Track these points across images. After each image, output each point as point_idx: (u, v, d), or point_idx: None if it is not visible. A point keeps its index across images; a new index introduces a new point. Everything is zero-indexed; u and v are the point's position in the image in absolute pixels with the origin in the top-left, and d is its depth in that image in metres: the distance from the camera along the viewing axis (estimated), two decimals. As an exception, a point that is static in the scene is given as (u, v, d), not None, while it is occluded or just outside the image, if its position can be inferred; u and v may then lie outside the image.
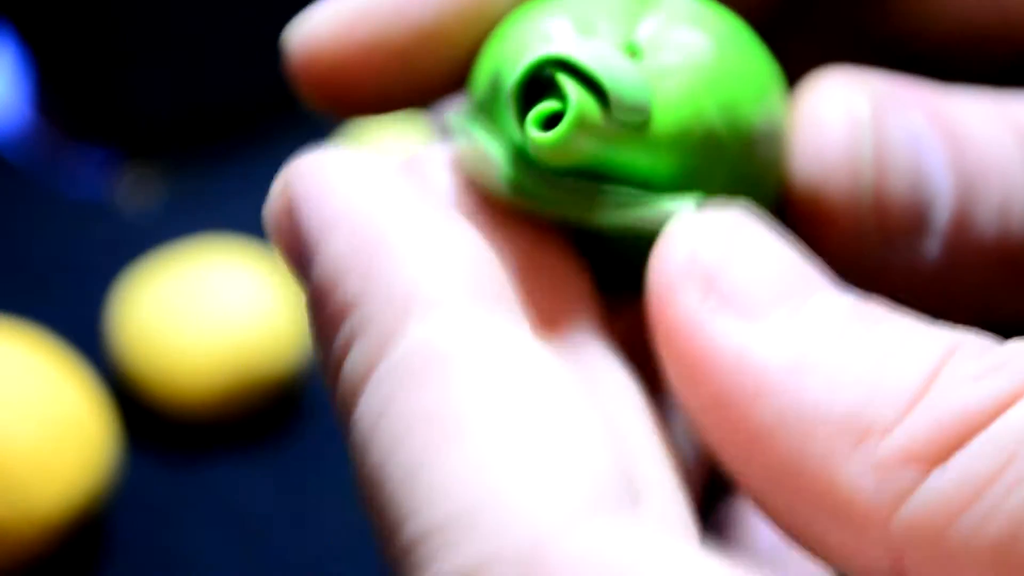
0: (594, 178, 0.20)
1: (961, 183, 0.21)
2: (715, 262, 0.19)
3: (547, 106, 0.19)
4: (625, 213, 0.20)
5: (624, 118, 0.19)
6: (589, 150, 0.19)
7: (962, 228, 0.22)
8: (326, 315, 0.19)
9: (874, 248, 0.21)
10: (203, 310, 0.50)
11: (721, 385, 0.19)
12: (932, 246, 0.22)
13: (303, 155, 0.20)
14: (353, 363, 0.18)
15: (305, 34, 0.22)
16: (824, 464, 0.18)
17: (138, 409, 0.51)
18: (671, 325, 0.19)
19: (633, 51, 0.20)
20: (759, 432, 0.18)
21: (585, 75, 0.19)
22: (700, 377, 0.19)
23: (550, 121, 0.19)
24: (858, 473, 0.18)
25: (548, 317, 0.20)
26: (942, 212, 0.21)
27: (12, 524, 0.44)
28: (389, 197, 0.19)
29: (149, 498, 0.50)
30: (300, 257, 0.19)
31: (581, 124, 0.19)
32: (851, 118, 0.21)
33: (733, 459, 0.19)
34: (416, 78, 0.22)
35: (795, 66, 0.22)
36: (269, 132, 0.60)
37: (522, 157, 0.20)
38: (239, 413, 0.51)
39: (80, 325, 0.52)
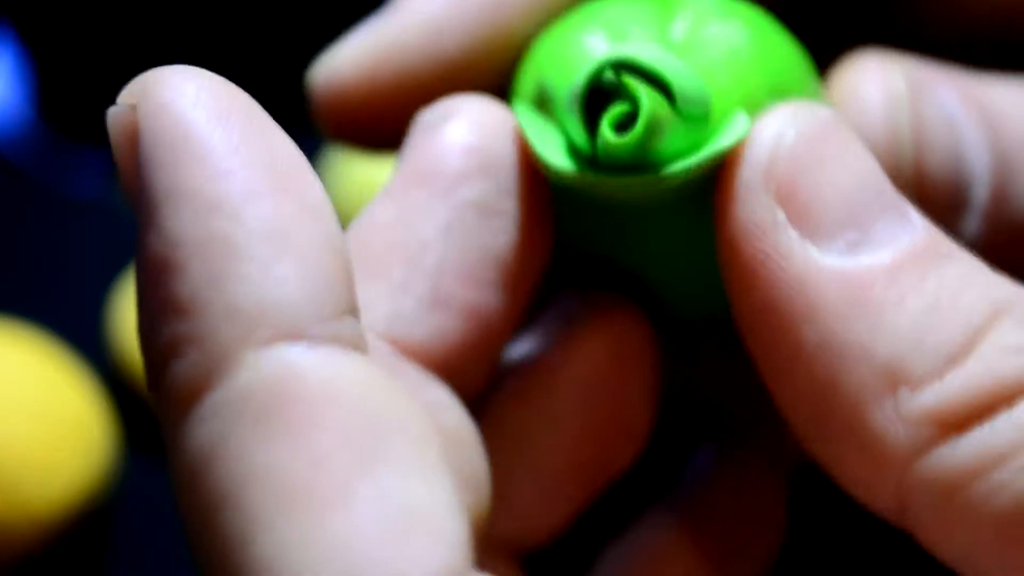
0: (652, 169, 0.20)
1: (998, 162, 0.22)
2: (795, 170, 0.19)
3: (618, 109, 0.19)
4: (690, 158, 0.20)
5: (689, 111, 0.19)
6: (659, 146, 0.19)
7: (1000, 206, 0.22)
8: (158, 295, 0.17)
9: None
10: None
11: (776, 296, 0.19)
12: (972, 224, 0.22)
13: (161, 71, 0.17)
14: (183, 372, 0.17)
15: (330, 74, 0.22)
16: (856, 400, 0.19)
17: (138, 409, 0.51)
18: (738, 227, 0.19)
19: (674, 51, 0.21)
20: (801, 351, 0.19)
21: (649, 74, 0.19)
22: (757, 283, 0.19)
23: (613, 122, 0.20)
24: (886, 418, 0.18)
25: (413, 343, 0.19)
26: (980, 190, 0.22)
27: (12, 523, 0.44)
28: (252, 176, 0.17)
29: (149, 498, 0.50)
30: (137, 195, 0.17)
31: (654, 122, 0.19)
32: (889, 96, 0.22)
33: (771, 371, 0.20)
34: None
35: (818, 58, 0.22)
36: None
37: (581, 155, 0.20)
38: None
39: (80, 325, 0.52)
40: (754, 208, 0.19)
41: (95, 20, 0.57)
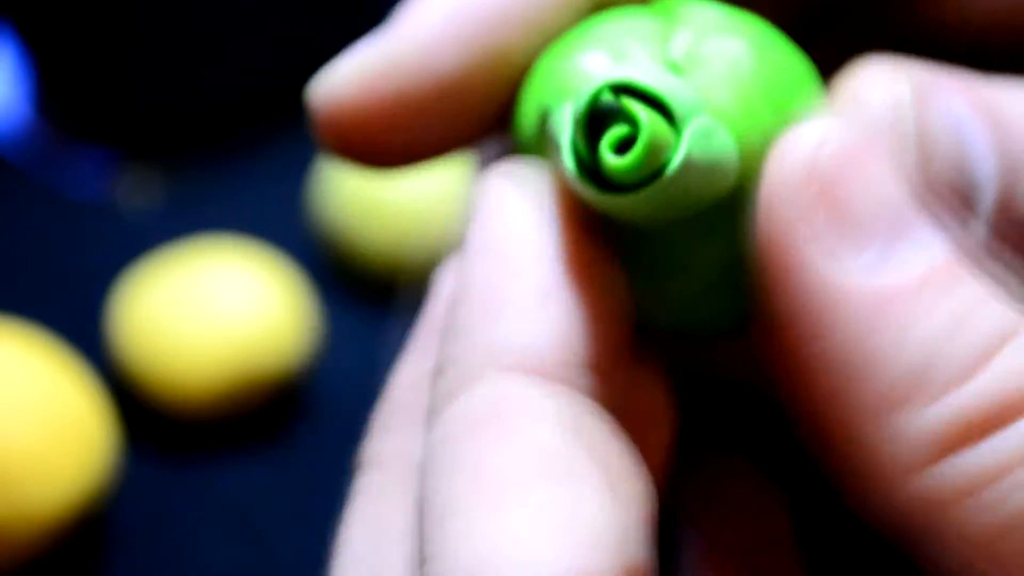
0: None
1: (1005, 167, 0.22)
2: (836, 176, 0.19)
3: (617, 131, 0.20)
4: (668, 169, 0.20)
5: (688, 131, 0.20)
6: (660, 165, 0.20)
7: (1007, 212, 0.22)
8: (447, 321, 0.20)
9: None
10: (203, 310, 0.50)
11: (800, 305, 0.19)
12: (976, 229, 0.22)
13: (500, 167, 0.21)
14: (439, 389, 0.20)
15: (328, 90, 0.22)
16: (862, 415, 0.19)
17: (138, 409, 0.51)
18: (773, 233, 0.19)
19: (674, 68, 0.21)
20: (818, 363, 0.19)
21: (646, 95, 0.20)
22: (784, 292, 0.19)
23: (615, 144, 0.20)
24: (889, 433, 0.19)
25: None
26: (987, 196, 0.22)
27: (12, 524, 0.44)
28: (544, 249, 0.20)
29: (149, 498, 0.50)
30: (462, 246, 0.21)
31: (654, 143, 0.19)
32: (893, 101, 0.21)
33: (786, 380, 0.20)
34: (441, 131, 0.22)
35: (823, 68, 0.22)
36: (269, 132, 0.60)
37: (588, 178, 0.20)
38: (239, 413, 0.51)
39: (80, 325, 0.52)
40: (790, 213, 0.19)
41: (96, 19, 0.58)
